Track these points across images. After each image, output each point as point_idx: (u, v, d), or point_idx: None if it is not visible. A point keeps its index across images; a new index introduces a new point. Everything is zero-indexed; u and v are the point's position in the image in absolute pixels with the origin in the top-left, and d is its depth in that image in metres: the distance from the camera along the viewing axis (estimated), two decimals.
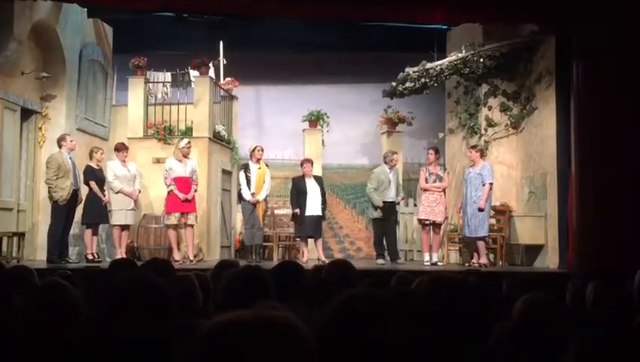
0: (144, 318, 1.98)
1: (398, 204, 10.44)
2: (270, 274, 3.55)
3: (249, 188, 10.10)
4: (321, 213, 9.98)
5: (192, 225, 9.61)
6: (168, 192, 9.56)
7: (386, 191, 9.93)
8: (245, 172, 10.20)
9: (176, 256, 9.49)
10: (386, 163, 10.14)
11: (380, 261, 9.87)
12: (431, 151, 10.11)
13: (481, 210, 9.43)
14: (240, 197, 10.46)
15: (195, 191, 9.73)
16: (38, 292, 2.50)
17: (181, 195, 9.45)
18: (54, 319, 2.31)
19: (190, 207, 9.56)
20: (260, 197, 10.13)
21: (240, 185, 10.30)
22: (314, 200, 9.89)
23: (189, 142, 9.82)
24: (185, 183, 9.55)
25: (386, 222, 9.97)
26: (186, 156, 9.71)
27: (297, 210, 9.89)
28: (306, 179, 10.02)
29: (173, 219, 9.50)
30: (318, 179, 10.20)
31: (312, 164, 10.32)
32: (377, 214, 10.00)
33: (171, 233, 9.60)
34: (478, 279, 4.57)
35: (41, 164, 9.80)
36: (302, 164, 10.26)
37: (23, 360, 2.21)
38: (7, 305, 2.53)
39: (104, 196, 9.35)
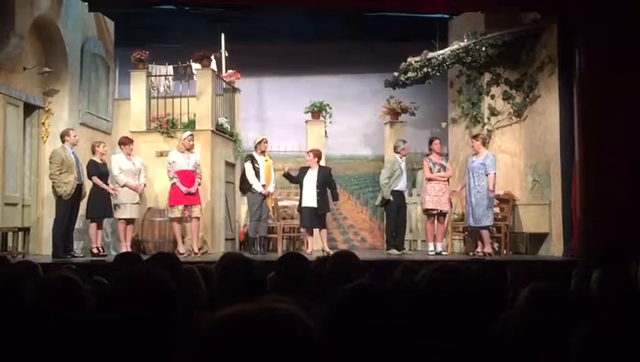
0: (148, 311, 1.98)
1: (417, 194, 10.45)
2: (274, 266, 3.57)
3: (258, 180, 10.05)
4: (316, 205, 9.79)
5: (197, 218, 9.61)
6: (172, 185, 9.57)
7: (397, 181, 9.90)
8: (252, 163, 10.12)
9: (181, 248, 9.51)
10: (397, 153, 10.10)
11: (394, 251, 9.81)
12: (437, 141, 10.09)
13: (490, 197, 9.42)
14: (244, 189, 10.39)
15: (199, 184, 9.73)
16: (48, 286, 2.51)
17: (183, 188, 9.45)
18: (63, 311, 2.33)
19: (194, 199, 9.56)
20: (271, 188, 10.15)
21: (247, 176, 10.15)
22: (309, 192, 9.84)
23: (190, 135, 9.80)
24: (188, 176, 9.55)
25: (398, 211, 9.95)
26: (189, 149, 9.69)
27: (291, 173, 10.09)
28: (309, 170, 10.00)
29: (177, 212, 9.51)
30: (323, 171, 10.11)
31: (315, 155, 10.11)
32: (378, 201, 10.06)
33: (176, 226, 9.62)
34: (482, 268, 4.57)
35: (44, 159, 9.81)
36: (307, 154, 10.28)
37: (32, 349, 2.22)
38: (17, 295, 2.54)
39: (109, 188, 9.33)
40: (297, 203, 10.32)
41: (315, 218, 9.87)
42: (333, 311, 1.63)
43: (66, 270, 3.75)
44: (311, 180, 9.86)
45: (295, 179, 10.18)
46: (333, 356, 1.47)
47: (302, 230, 10.59)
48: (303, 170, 10.05)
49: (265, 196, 10.09)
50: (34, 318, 2.37)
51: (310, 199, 9.80)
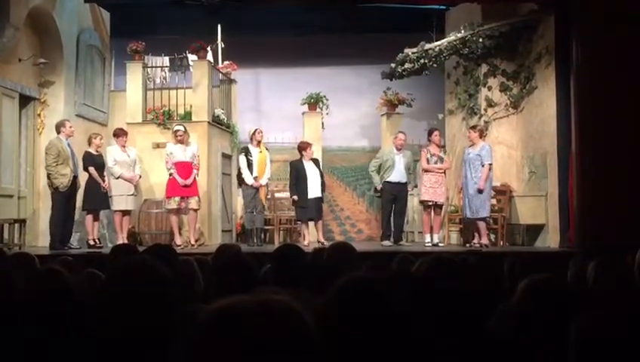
0: (145, 303, 1.98)
1: (411, 190, 10.38)
2: (270, 257, 3.56)
3: (251, 172, 10.04)
4: (321, 195, 9.95)
5: (194, 209, 9.59)
6: (169, 176, 9.56)
7: (389, 172, 9.90)
8: (246, 155, 10.12)
9: (178, 240, 9.50)
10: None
11: (387, 243, 9.85)
12: (436, 133, 10.06)
13: (480, 191, 9.41)
14: (240, 181, 10.41)
15: (197, 175, 9.70)
16: (34, 280, 2.49)
17: (180, 180, 9.44)
18: (50, 306, 2.31)
19: (190, 191, 9.54)
20: (263, 181, 10.11)
21: (241, 168, 10.22)
22: (314, 183, 9.87)
23: (178, 130, 9.67)
24: (184, 168, 9.53)
25: (392, 202, 9.95)
26: (181, 142, 9.64)
27: (295, 197, 9.87)
28: (305, 162, 9.98)
29: (173, 203, 9.50)
30: (316, 162, 10.16)
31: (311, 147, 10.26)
32: (373, 192, 10.02)
33: (173, 218, 9.60)
34: (479, 259, 4.58)
35: (40, 150, 9.79)
36: (305, 148, 10.12)
37: (22, 344, 2.21)
38: (9, 287, 2.53)
39: (104, 182, 9.34)
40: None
41: (319, 208, 9.96)
42: (331, 304, 1.62)
43: (54, 263, 3.74)
44: (314, 171, 9.91)
45: (294, 176, 10.05)
46: (330, 349, 1.47)
47: (299, 221, 10.55)
48: (299, 163, 10.00)
49: (257, 188, 10.07)
50: (23, 314, 2.36)
51: (316, 190, 9.85)
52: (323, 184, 10.06)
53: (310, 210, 9.86)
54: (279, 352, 1.13)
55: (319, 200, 9.96)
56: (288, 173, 10.38)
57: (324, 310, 1.59)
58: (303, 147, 10.14)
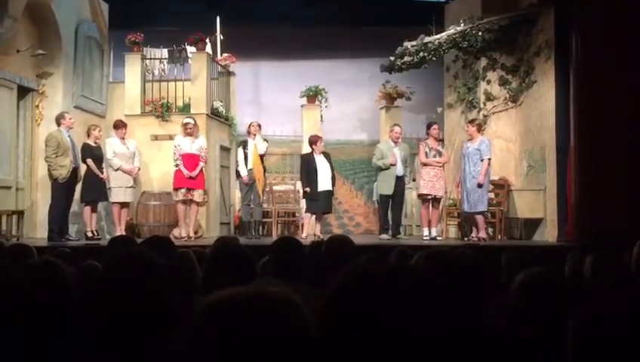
0: (143, 294, 1.98)
1: (408, 183, 10.38)
2: (268, 250, 3.57)
3: (246, 165, 10.06)
4: (331, 188, 9.98)
5: (196, 203, 9.60)
6: (175, 168, 9.59)
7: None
8: (243, 149, 10.17)
9: (176, 232, 9.51)
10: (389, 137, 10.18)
11: (384, 236, 9.86)
12: (435, 127, 10.05)
13: (480, 185, 9.41)
14: (238, 174, 10.43)
15: (202, 168, 9.70)
16: (27, 271, 2.48)
17: (185, 171, 9.47)
18: (43, 297, 2.31)
19: (195, 183, 9.57)
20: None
21: (238, 162, 10.24)
22: (325, 176, 9.89)
23: (188, 123, 9.71)
24: (190, 159, 9.55)
25: (391, 196, 9.94)
26: (190, 135, 9.66)
27: (308, 189, 9.87)
28: (315, 156, 10.00)
29: (180, 195, 9.54)
30: (327, 155, 10.16)
31: (321, 141, 10.25)
32: (387, 190, 9.91)
33: (180, 207, 9.63)
34: (476, 253, 4.58)
35: (39, 142, 9.78)
36: (315, 141, 10.12)
37: (19, 337, 2.20)
38: (6, 279, 2.52)
39: (102, 173, 9.34)
40: (292, 188, 10.29)
41: (329, 202, 10.02)
42: (336, 296, 1.62)
43: (52, 255, 3.73)
44: (324, 165, 9.94)
45: (305, 168, 10.04)
46: (331, 342, 1.47)
47: (298, 214, 10.57)
48: (310, 156, 10.02)
49: (252, 181, 10.07)
50: (20, 306, 2.35)
51: (326, 183, 9.89)
52: (333, 178, 10.06)
53: (321, 203, 9.90)
54: (278, 342, 1.13)
55: (330, 194, 10.01)
56: (292, 166, 10.41)
57: (326, 304, 1.59)
58: (313, 140, 10.18)
